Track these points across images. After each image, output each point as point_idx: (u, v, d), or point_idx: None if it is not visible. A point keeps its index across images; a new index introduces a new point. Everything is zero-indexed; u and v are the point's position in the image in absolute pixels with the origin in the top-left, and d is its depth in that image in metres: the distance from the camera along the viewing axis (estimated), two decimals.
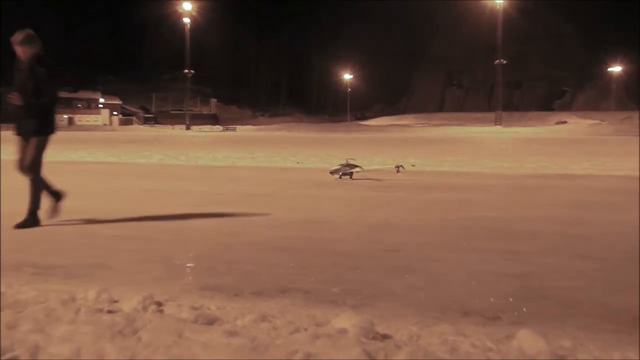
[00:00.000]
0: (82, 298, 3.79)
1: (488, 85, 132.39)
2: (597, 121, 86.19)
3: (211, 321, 3.35)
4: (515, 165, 16.79)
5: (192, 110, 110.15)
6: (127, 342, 3.00)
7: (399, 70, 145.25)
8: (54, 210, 7.00)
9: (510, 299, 4.03)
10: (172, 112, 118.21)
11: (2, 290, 3.98)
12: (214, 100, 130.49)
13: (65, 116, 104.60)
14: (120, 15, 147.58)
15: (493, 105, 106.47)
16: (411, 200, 9.44)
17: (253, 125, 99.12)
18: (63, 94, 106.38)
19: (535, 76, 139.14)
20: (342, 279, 4.55)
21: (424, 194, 10.25)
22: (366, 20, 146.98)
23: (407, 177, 12.58)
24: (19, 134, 6.85)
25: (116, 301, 3.76)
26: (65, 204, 7.31)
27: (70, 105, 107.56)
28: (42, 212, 6.91)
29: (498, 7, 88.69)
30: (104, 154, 23.10)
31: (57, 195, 7.07)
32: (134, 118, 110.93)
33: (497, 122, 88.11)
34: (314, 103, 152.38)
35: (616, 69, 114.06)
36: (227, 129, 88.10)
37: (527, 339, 3.05)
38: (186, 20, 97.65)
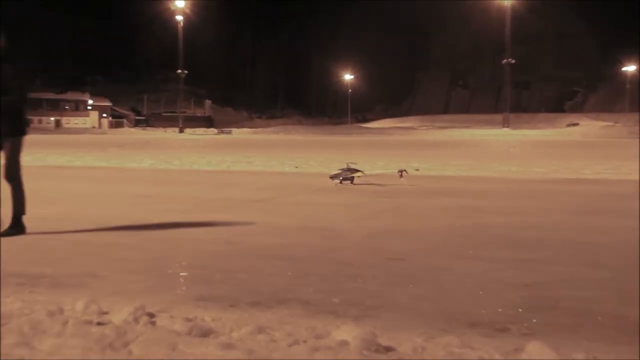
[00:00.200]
0: (69, 309, 3.78)
1: (495, 86, 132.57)
2: (610, 123, 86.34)
3: (206, 333, 3.35)
4: (524, 170, 16.80)
5: (185, 112, 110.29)
6: (117, 355, 3.00)
7: (402, 70, 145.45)
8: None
9: (520, 310, 4.03)
10: (164, 114, 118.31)
11: None
12: (208, 102, 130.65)
13: (52, 118, 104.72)
14: (109, 12, 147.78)
15: (500, 106, 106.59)
16: (415, 207, 9.44)
17: (249, 127, 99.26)
18: (50, 95, 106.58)
19: (545, 76, 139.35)
20: (343, 288, 4.55)
21: (428, 199, 10.25)
22: (368, 18, 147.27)
23: (410, 182, 12.59)
24: None
25: (106, 312, 3.75)
26: (52, 210, 7.30)
27: (57, 107, 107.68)
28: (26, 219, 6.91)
29: (506, 4, 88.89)
30: (93, 158, 23.10)
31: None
32: (125, 120, 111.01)
33: (505, 124, 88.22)
34: (313, 105, 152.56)
35: (630, 68, 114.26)
36: (222, 132, 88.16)
37: (537, 352, 3.05)
38: (179, 18, 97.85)
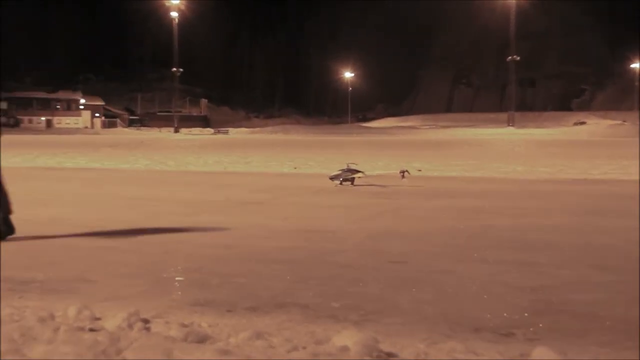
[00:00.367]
0: (61, 315, 3.78)
1: (500, 84, 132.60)
2: (618, 122, 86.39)
3: (202, 339, 3.35)
4: (529, 170, 16.81)
5: (180, 111, 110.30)
6: None
7: (403, 67, 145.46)
8: None
9: (525, 314, 4.03)
10: (159, 113, 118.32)
11: None
12: (204, 101, 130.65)
13: (43, 118, 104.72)
14: (102, 8, 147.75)
15: (505, 105, 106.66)
16: (417, 208, 9.44)
17: (247, 127, 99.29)
18: (41, 94, 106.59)
19: (551, 73, 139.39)
20: (344, 292, 4.55)
21: (430, 201, 10.26)
22: (368, 15, 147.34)
23: (412, 183, 12.59)
24: None
25: (99, 318, 3.75)
26: (42, 213, 7.30)
27: (48, 106, 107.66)
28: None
29: None
30: (85, 159, 23.10)
31: None
32: (118, 120, 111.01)
33: (510, 123, 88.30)
34: (313, 104, 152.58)
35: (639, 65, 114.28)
36: (218, 132, 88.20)
37: (543, 357, 3.05)
38: (174, 14, 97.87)
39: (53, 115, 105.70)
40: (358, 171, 12.73)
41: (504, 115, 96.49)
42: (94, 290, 4.65)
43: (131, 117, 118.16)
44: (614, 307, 4.16)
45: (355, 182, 12.49)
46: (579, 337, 3.58)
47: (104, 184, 13.91)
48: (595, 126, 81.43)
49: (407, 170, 13.17)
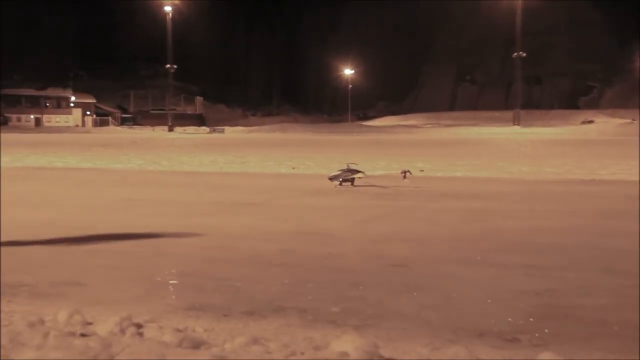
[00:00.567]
0: (51, 320, 3.78)
1: (505, 81, 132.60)
2: (627, 120, 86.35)
3: (197, 345, 3.36)
4: (536, 170, 16.82)
5: (174, 109, 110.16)
6: None
7: (405, 64, 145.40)
8: None
9: (531, 319, 4.04)
10: (152, 111, 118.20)
11: None
12: (199, 99, 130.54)
13: (32, 116, 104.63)
14: (92, 2, 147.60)
15: (511, 102, 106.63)
16: (419, 210, 9.45)
17: (243, 126, 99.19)
18: (29, 92, 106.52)
19: (558, 70, 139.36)
20: (343, 296, 4.56)
21: (433, 202, 10.27)
22: (368, 9, 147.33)
23: (414, 184, 12.60)
24: None
25: (90, 323, 3.76)
26: (31, 215, 7.31)
27: (37, 104, 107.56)
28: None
29: None
30: (76, 158, 23.10)
31: None
32: (110, 118, 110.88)
33: (516, 121, 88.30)
34: (311, 101, 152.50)
35: None
36: (214, 131, 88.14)
37: None
38: (168, 8, 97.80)
39: (42, 113, 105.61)
40: (358, 171, 12.73)
41: (509, 114, 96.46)
42: (85, 294, 4.66)
43: (123, 115, 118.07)
44: (623, 312, 4.17)
45: (356, 183, 12.50)
46: (586, 343, 3.59)
47: (95, 184, 13.91)
48: (603, 125, 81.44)
49: (409, 171, 13.17)
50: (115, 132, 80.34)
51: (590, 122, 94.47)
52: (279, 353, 3.23)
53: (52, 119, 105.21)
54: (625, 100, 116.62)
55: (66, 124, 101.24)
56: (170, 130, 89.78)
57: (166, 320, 3.92)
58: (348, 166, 12.91)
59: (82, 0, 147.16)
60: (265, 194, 11.47)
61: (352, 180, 12.51)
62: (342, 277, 5.14)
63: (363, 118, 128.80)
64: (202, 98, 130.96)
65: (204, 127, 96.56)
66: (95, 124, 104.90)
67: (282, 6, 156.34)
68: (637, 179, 14.31)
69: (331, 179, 12.62)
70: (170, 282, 5.09)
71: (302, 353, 3.23)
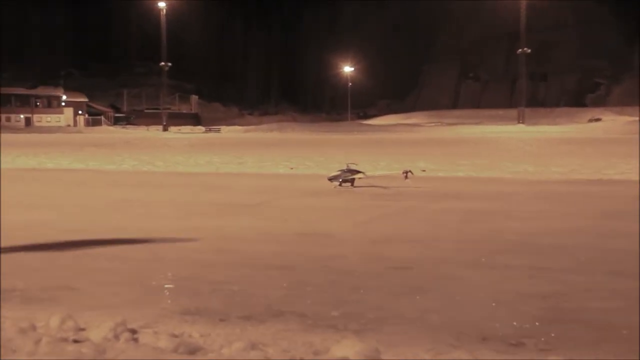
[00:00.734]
0: (43, 326, 3.78)
1: (509, 78, 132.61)
2: (635, 118, 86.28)
3: (193, 350, 3.36)
4: (541, 170, 16.83)
5: (169, 108, 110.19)
6: None
7: (407, 61, 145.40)
8: None
9: (536, 323, 4.05)
10: (146, 110, 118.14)
11: None
12: (195, 97, 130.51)
13: (22, 116, 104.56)
14: None
15: (515, 100, 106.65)
16: (421, 211, 9.46)
17: (240, 125, 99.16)
18: (19, 90, 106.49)
19: (564, 67, 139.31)
20: (344, 300, 4.56)
21: (436, 203, 10.27)
22: (369, 5, 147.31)
23: (416, 184, 12.60)
24: None
25: (83, 329, 3.76)
26: (21, 218, 7.31)
27: (27, 103, 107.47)
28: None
29: None
30: (68, 159, 23.09)
31: None
32: (103, 118, 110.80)
33: (520, 119, 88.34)
34: (310, 100, 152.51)
35: None
36: (210, 130, 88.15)
37: None
38: (162, 4, 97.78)
39: (33, 112, 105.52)
40: (358, 171, 12.73)
41: (513, 112, 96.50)
42: (78, 299, 4.66)
43: (117, 115, 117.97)
44: (631, 315, 4.17)
45: (356, 183, 12.50)
46: (593, 347, 3.60)
47: (88, 186, 13.91)
48: (611, 123, 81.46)
49: (410, 171, 13.17)
50: (108, 132, 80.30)
51: (598, 120, 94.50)
52: (278, 358, 3.23)
53: (43, 119, 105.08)
54: (633, 97, 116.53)
55: (57, 124, 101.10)
56: (165, 129, 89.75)
57: (161, 326, 3.92)
58: (348, 166, 12.91)
59: None
60: (263, 194, 11.48)
61: (352, 181, 12.52)
62: (342, 280, 5.14)
63: (363, 117, 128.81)
64: (197, 97, 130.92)
65: (199, 127, 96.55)
66: (88, 123, 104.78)
67: (281, 1, 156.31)
68: None
69: (331, 179, 12.62)
70: (166, 286, 5.09)
71: (302, 358, 3.24)
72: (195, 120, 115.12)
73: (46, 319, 3.86)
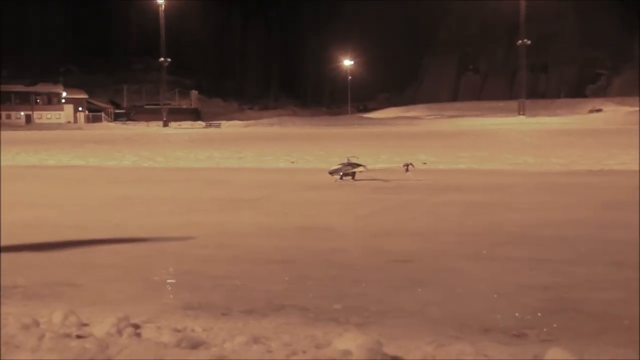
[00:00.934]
0: (46, 322, 3.79)
1: (510, 70, 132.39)
2: (636, 108, 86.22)
3: (196, 345, 3.37)
4: (541, 161, 16.83)
5: (169, 104, 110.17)
6: None
7: (406, 54, 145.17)
8: None
9: (538, 314, 4.05)
10: (146, 106, 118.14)
11: None
12: (194, 93, 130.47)
13: (22, 113, 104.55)
14: None
15: (515, 92, 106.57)
16: (422, 204, 9.46)
17: (240, 120, 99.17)
18: (19, 88, 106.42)
19: (564, 58, 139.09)
20: (345, 293, 4.57)
21: (437, 195, 10.28)
22: None
23: (417, 177, 12.60)
24: None
25: (86, 324, 3.77)
26: (23, 215, 7.32)
27: (27, 100, 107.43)
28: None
29: None
30: (69, 156, 23.10)
31: None
32: (103, 114, 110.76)
33: (521, 111, 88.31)
34: (310, 93, 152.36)
35: None
36: (210, 125, 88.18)
37: (557, 359, 3.06)
38: (160, 0, 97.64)
39: (33, 109, 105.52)
40: (359, 165, 12.73)
41: (514, 104, 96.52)
42: (80, 295, 4.67)
43: (117, 111, 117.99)
44: (632, 305, 4.18)
45: (356, 177, 12.50)
46: (595, 338, 3.60)
47: (89, 183, 13.92)
48: (612, 114, 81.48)
49: (411, 164, 13.16)
50: (108, 128, 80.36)
51: (598, 110, 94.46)
52: (280, 352, 3.24)
53: (43, 116, 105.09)
54: (634, 88, 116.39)
55: (57, 121, 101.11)
56: (165, 125, 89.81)
57: (164, 320, 3.93)
58: (349, 160, 12.91)
59: None
60: (264, 189, 11.48)
61: (353, 174, 12.52)
62: (344, 274, 5.15)
63: (363, 110, 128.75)
64: (197, 92, 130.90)
65: (199, 122, 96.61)
66: (88, 120, 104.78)
67: None
68: None
69: (331, 173, 12.62)
70: (168, 281, 5.10)
71: (304, 352, 3.25)
72: (195, 115, 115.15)
73: (49, 315, 3.86)
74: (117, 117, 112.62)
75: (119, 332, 3.56)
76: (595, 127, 51.05)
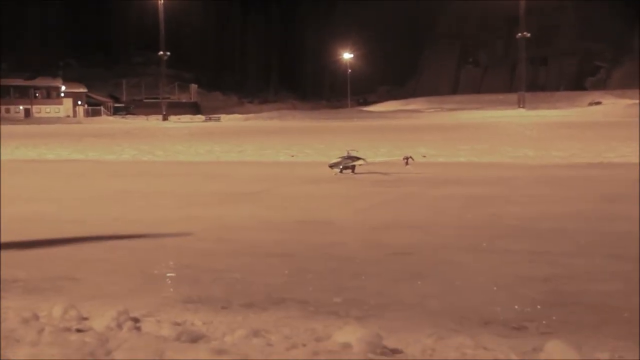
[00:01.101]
0: (46, 316, 3.79)
1: (509, 62, 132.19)
2: (636, 101, 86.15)
3: (196, 338, 3.37)
4: (541, 154, 16.83)
5: (169, 98, 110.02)
6: None
7: (406, 47, 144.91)
8: None
9: (538, 306, 4.06)
10: (146, 100, 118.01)
11: None
12: (194, 86, 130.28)
13: (21, 107, 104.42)
14: None
15: (515, 85, 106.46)
16: (422, 197, 9.46)
17: (240, 114, 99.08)
18: (18, 82, 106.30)
19: (564, 50, 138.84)
20: (345, 287, 4.57)
21: (436, 188, 10.28)
22: None
23: (417, 170, 12.60)
24: None
25: (86, 318, 3.77)
26: (22, 209, 7.32)
27: (26, 94, 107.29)
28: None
29: None
30: (68, 150, 23.08)
31: None
32: (102, 108, 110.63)
33: (520, 104, 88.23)
34: (310, 87, 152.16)
35: None
36: (210, 119, 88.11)
37: (557, 351, 3.07)
38: None
39: (32, 103, 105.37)
40: (359, 158, 12.73)
41: (514, 96, 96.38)
42: (80, 289, 4.67)
43: (116, 105, 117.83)
44: (632, 297, 4.19)
45: (356, 170, 12.50)
46: (595, 330, 3.61)
47: (88, 177, 13.91)
48: (611, 106, 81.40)
49: (411, 157, 13.16)
50: (107, 122, 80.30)
51: (598, 103, 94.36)
52: (280, 345, 3.24)
53: (42, 110, 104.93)
54: (634, 80, 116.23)
55: (57, 115, 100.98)
56: (165, 119, 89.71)
57: (164, 314, 3.94)
58: (348, 153, 12.90)
59: None
60: (264, 182, 11.48)
61: (352, 168, 12.52)
62: (344, 267, 5.15)
63: (363, 103, 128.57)
64: (196, 85, 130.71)
65: (199, 116, 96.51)
66: (87, 114, 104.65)
67: None
68: None
69: (331, 166, 12.62)
70: (168, 274, 5.11)
71: (304, 345, 3.25)
72: (194, 109, 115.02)
73: (49, 308, 3.87)
74: (116, 111, 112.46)
75: (119, 326, 3.56)
76: (595, 120, 51.02)
